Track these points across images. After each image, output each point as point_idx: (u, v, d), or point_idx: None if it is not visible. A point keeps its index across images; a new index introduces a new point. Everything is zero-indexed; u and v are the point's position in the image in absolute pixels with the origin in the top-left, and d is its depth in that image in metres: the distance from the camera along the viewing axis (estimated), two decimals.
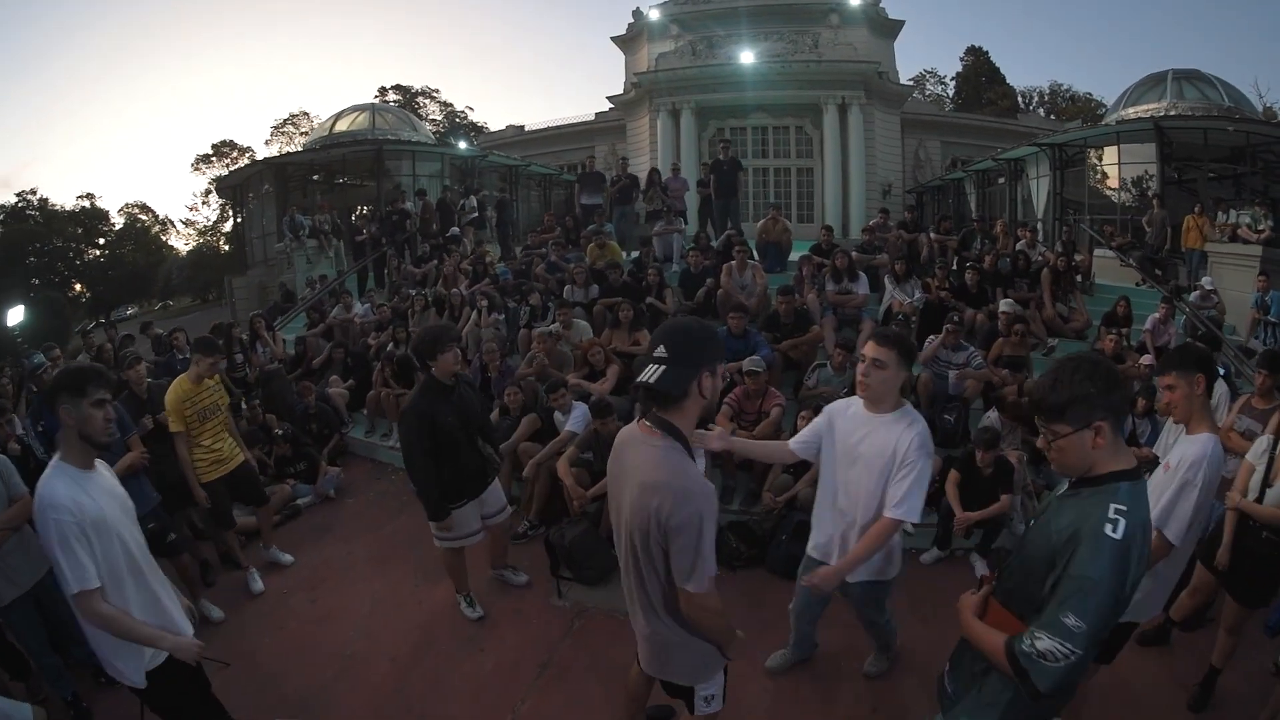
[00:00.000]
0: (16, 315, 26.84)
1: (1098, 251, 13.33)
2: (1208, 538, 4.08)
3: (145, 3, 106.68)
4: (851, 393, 3.71)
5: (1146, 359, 7.25)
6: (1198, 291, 10.08)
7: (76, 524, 2.61)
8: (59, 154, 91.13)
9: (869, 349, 3.26)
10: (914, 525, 3.26)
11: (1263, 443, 4.00)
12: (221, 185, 27.86)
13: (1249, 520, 3.83)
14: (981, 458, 5.54)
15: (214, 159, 44.07)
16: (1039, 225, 16.96)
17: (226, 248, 35.87)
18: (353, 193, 21.81)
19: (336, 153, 20.40)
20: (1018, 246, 10.70)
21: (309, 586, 5.65)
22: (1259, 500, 3.80)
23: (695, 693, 2.69)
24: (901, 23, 25.97)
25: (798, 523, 5.43)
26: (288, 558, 6.04)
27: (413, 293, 11.02)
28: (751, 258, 9.71)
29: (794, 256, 11.31)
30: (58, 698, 4.21)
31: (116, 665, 2.85)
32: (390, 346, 9.41)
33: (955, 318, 7.12)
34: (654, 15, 25.44)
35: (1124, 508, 1.96)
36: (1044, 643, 1.90)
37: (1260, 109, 19.45)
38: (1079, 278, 10.00)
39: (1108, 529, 1.93)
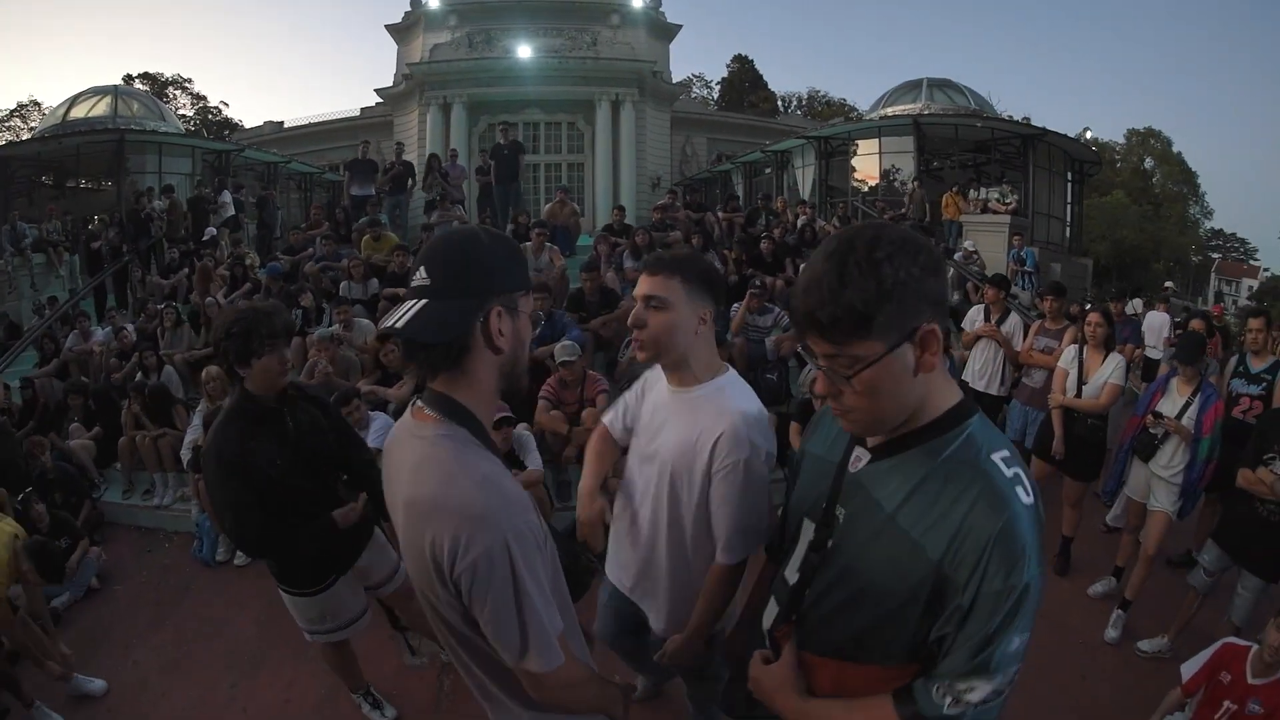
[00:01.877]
0: None
1: None
2: (1037, 437, 5.32)
3: None
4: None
5: None
6: (960, 253, 11.97)
7: None
8: None
9: (640, 284, 2.15)
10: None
11: (1070, 352, 5.10)
12: None
13: (1073, 413, 4.95)
14: (818, 404, 5.52)
15: None
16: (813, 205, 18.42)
17: None
18: (90, 198, 18.79)
19: (70, 143, 17.42)
20: (799, 222, 11.28)
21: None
22: (1078, 396, 4.93)
23: None
24: (679, 26, 26.47)
25: None
26: (97, 683, 4.28)
27: (160, 307, 9.16)
28: (549, 240, 9.33)
29: (582, 242, 11.11)
30: None
31: None
32: (139, 376, 7.58)
33: (757, 282, 7.24)
34: (433, 4, 24.45)
35: (1006, 452, 1.24)
36: (978, 692, 1.15)
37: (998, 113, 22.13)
38: None
39: (1019, 495, 1.18)
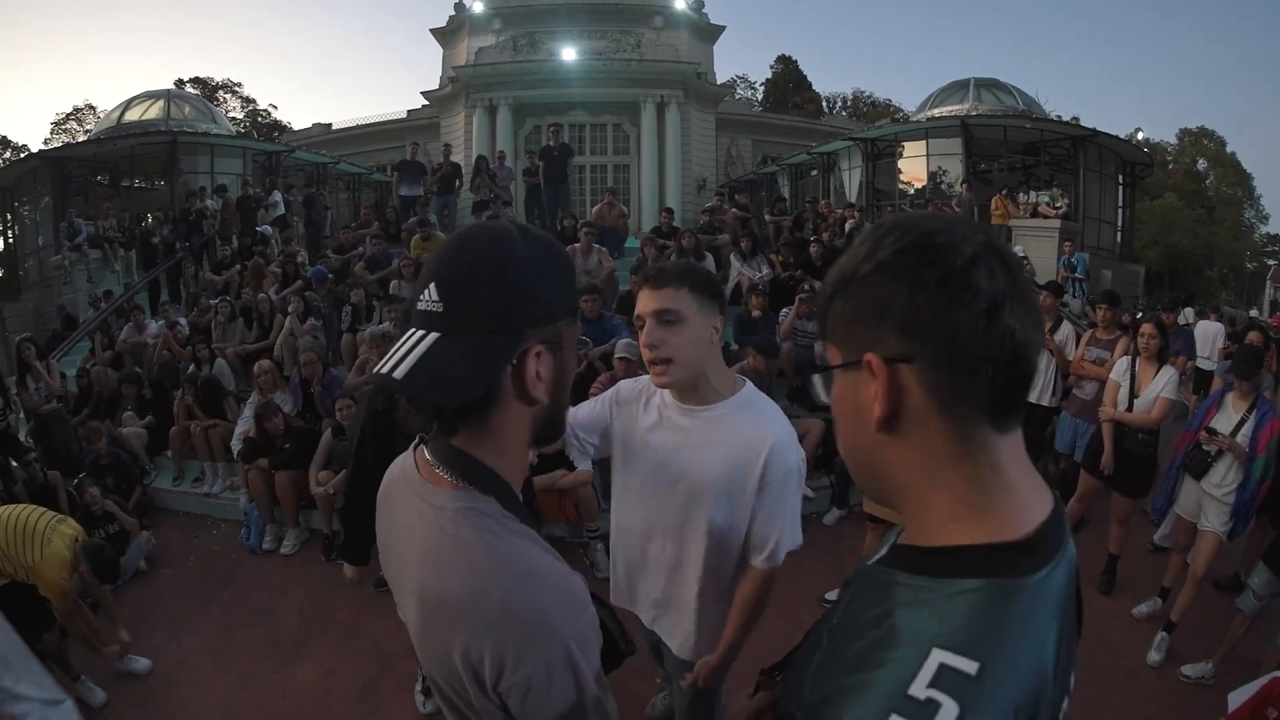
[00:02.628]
0: None
1: None
2: (1087, 451, 5.17)
3: None
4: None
5: None
6: None
7: None
8: None
9: (645, 299, 1.96)
10: (812, 490, 2.80)
11: (1123, 364, 4.96)
12: None
13: (1124, 427, 4.80)
14: None
15: None
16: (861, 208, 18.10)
17: None
18: (143, 196, 19.10)
19: (125, 144, 17.85)
20: (846, 225, 11.11)
21: (136, 703, 4.19)
22: (1129, 410, 4.79)
23: None
24: (722, 28, 26.43)
25: None
26: (142, 662, 4.48)
27: (214, 302, 9.38)
28: (596, 242, 9.36)
29: (629, 244, 11.16)
30: None
31: None
32: (191, 368, 7.81)
33: (806, 287, 7.27)
34: (477, 8, 24.66)
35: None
36: None
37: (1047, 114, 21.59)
38: None
39: None
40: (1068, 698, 0.76)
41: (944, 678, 0.64)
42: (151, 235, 13.54)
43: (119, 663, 4.40)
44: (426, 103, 25.48)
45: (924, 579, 0.74)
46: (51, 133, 38.90)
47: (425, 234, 10.35)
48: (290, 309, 8.39)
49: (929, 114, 19.26)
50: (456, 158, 15.29)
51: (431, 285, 1.00)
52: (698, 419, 2.04)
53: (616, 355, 5.76)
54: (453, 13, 25.68)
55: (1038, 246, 13.35)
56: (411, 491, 1.12)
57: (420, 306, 1.01)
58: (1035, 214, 14.57)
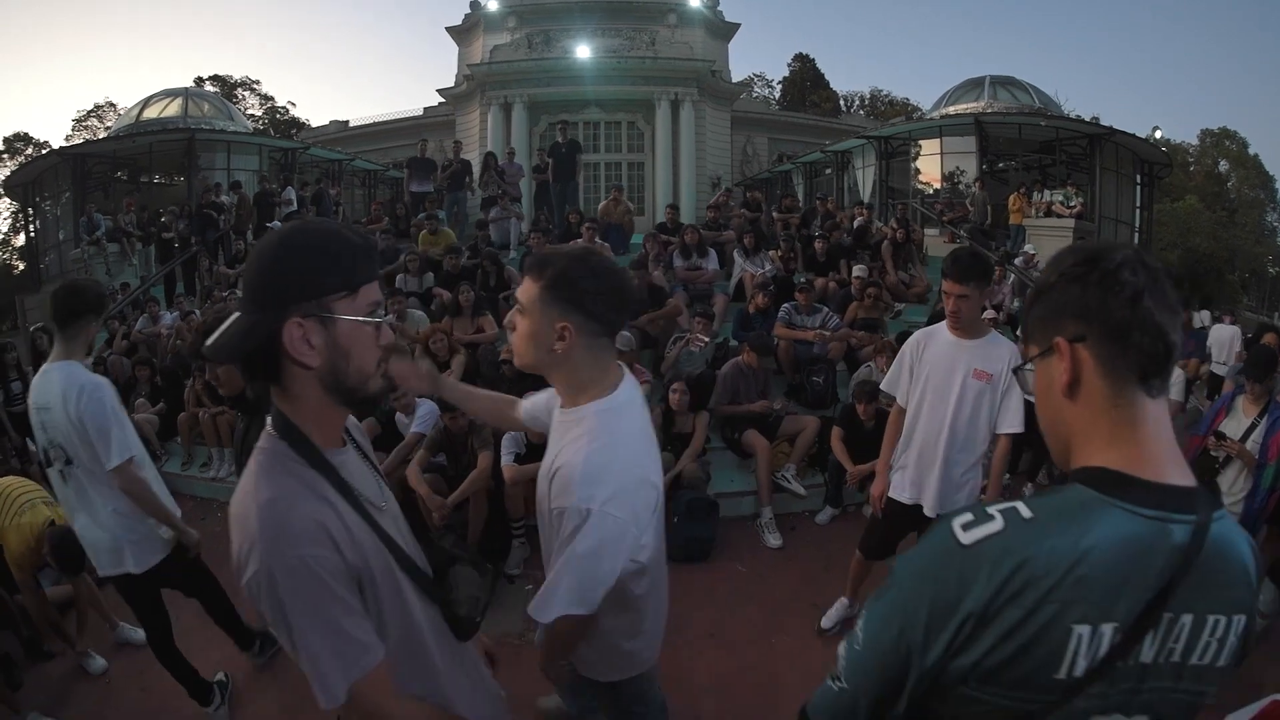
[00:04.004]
0: None
1: (926, 229, 14.29)
2: None
3: None
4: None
5: (989, 314, 7.38)
6: (1021, 258, 11.33)
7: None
8: None
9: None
10: (805, 488, 2.98)
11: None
12: (10, 185, 24.28)
13: None
14: (863, 410, 5.68)
15: (4, 157, 36.99)
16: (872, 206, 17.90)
17: (19, 265, 31.57)
18: (162, 192, 19.30)
19: (143, 141, 18.19)
20: (855, 224, 11.08)
21: (136, 671, 4.34)
22: None
23: None
24: (737, 25, 26.42)
25: (688, 502, 5.23)
26: (140, 633, 4.36)
27: (225, 295, 9.68)
28: (601, 237, 9.40)
29: (635, 240, 11.09)
30: None
31: (127, 552, 3.25)
32: None
33: (801, 280, 7.33)
34: (492, 6, 24.77)
35: None
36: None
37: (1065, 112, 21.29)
38: (915, 249, 10.47)
39: None
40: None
41: (1009, 511, 0.96)
42: (166, 230, 13.74)
43: (115, 632, 4.65)
44: (443, 100, 25.56)
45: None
46: (73, 129, 38.83)
47: (433, 229, 10.40)
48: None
49: (943, 112, 19.03)
50: (474, 155, 15.30)
51: (241, 280, 1.34)
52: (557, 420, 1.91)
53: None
54: (468, 11, 25.76)
55: (1050, 246, 12.43)
56: None
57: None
58: (1049, 213, 14.33)
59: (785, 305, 7.16)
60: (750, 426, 5.91)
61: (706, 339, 6.80)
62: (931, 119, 19.25)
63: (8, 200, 31.77)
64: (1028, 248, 12.17)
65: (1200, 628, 0.94)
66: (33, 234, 21.29)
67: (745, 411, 5.94)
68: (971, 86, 19.14)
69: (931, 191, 18.37)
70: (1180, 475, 0.98)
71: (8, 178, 25.69)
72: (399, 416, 5.72)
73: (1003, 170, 17.70)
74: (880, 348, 6.45)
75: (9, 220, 35.40)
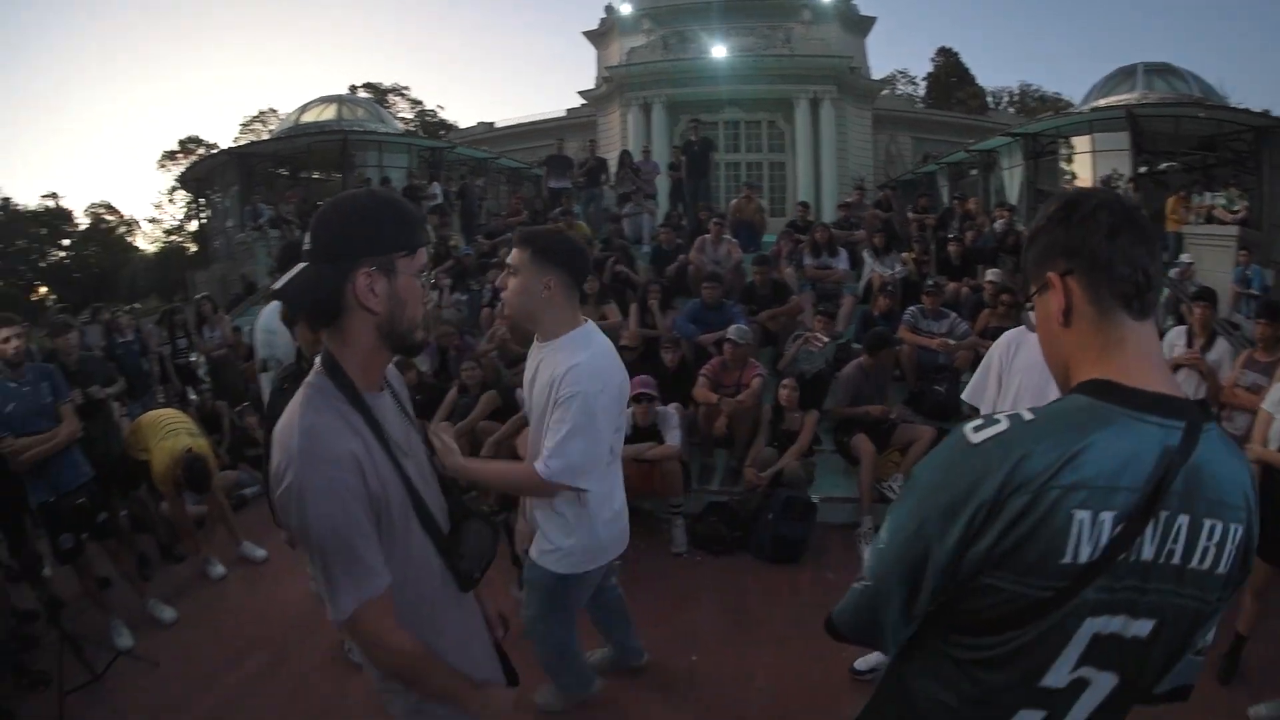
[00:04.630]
0: None
1: None
2: None
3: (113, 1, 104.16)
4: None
5: None
6: (1177, 269, 10.22)
7: None
8: (22, 153, 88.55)
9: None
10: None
11: (1278, 391, 3.76)
12: (185, 178, 27.20)
13: (1275, 472, 3.51)
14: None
15: (180, 155, 41.54)
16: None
17: (192, 247, 34.93)
18: (319, 187, 21.19)
19: (301, 142, 20.10)
20: (996, 225, 10.50)
21: (249, 581, 5.22)
22: None
23: None
24: (873, 19, 25.96)
25: (786, 500, 5.11)
26: (260, 552, 5.47)
27: None
28: (731, 234, 9.38)
29: (767, 239, 11.09)
30: None
31: None
32: None
33: (931, 283, 7.07)
34: (625, 9, 25.20)
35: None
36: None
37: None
38: None
39: None
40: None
41: (1014, 415, 1.08)
42: None
43: (239, 547, 5.49)
44: (584, 102, 26.15)
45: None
46: (239, 132, 42.46)
47: (568, 223, 10.66)
48: (440, 282, 9.06)
49: (1093, 105, 17.69)
50: (613, 154, 15.61)
51: (309, 231, 1.46)
52: (538, 351, 2.60)
53: (729, 337, 5.87)
54: (603, 15, 26.27)
55: (1209, 256, 11.40)
56: None
57: (303, 246, 1.46)
58: (1210, 219, 12.48)
59: (911, 308, 6.93)
60: (861, 431, 5.69)
61: (826, 339, 6.67)
62: (1080, 113, 18.02)
63: (183, 192, 35.15)
64: (1184, 257, 10.75)
65: (1197, 531, 1.03)
66: (204, 221, 24.42)
67: (863, 414, 5.74)
68: (1124, 76, 17.83)
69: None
70: (1168, 386, 1.09)
71: (183, 173, 28.87)
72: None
73: (1162, 172, 16.38)
74: None
75: (185, 209, 39.07)
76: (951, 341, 6.58)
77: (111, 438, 5.33)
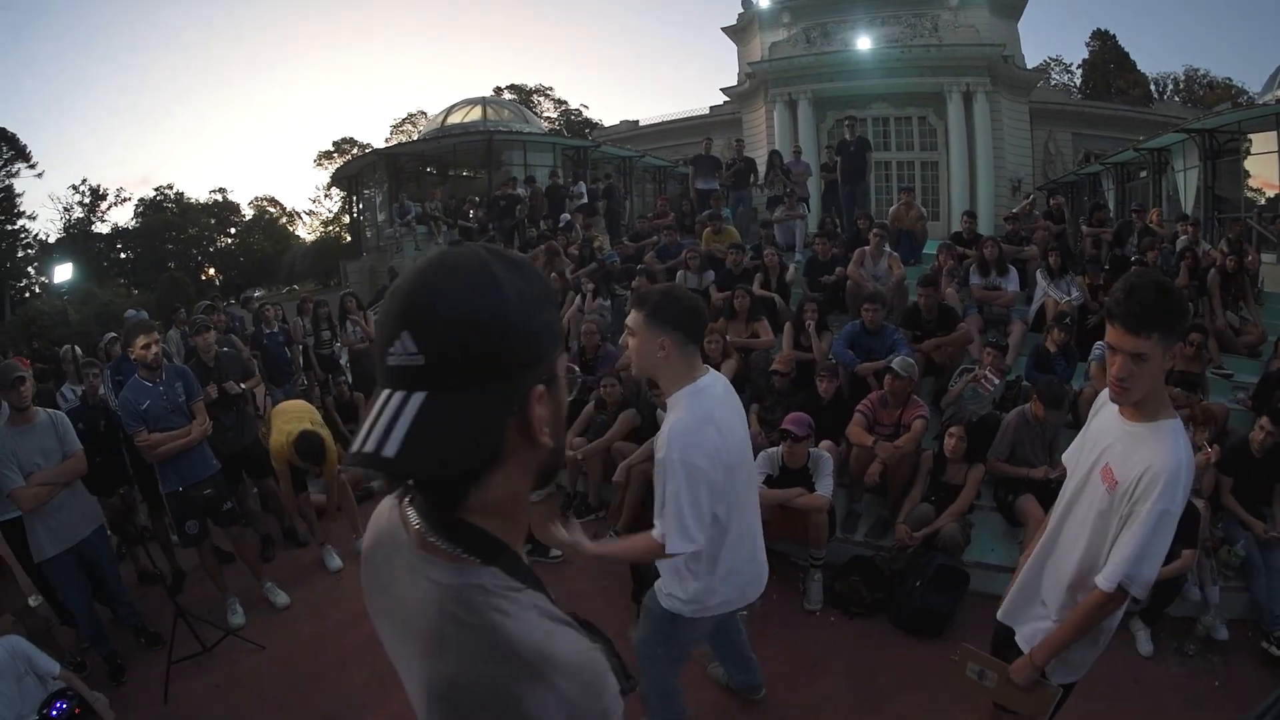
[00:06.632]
0: (64, 272, 31.56)
1: (1262, 255, 11.85)
2: None
3: (276, 8, 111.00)
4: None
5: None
6: None
7: None
8: (195, 153, 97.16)
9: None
10: None
11: None
12: (338, 176, 28.89)
13: None
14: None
15: (335, 155, 45.82)
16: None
17: (347, 237, 37.43)
18: (466, 184, 21.85)
19: (447, 143, 21.00)
20: (1178, 244, 9.40)
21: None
22: None
23: None
24: (1025, 1, 24.54)
25: (937, 568, 4.67)
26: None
27: None
28: (891, 245, 8.89)
29: (927, 250, 10.61)
30: (95, 655, 4.47)
31: None
32: None
33: None
34: (764, 3, 24.91)
35: None
36: None
37: None
38: (1250, 283, 8.58)
39: None
40: None
41: None
42: (466, 216, 15.90)
43: (357, 540, 5.49)
44: (728, 99, 26.05)
45: None
46: (390, 133, 46.45)
47: (716, 227, 10.47)
48: (584, 287, 8.98)
49: (1278, 94, 15.79)
50: (761, 151, 15.34)
51: (405, 334, 0.83)
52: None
53: (894, 368, 5.47)
54: (741, 10, 26.07)
55: None
56: (403, 559, 0.99)
57: (392, 361, 0.84)
58: None
59: (1099, 344, 6.21)
60: (1030, 490, 5.14)
61: (997, 380, 6.11)
62: (1265, 104, 15.97)
63: (337, 189, 37.64)
64: None
65: None
66: (356, 215, 26.11)
67: (1022, 475, 5.21)
68: None
69: (1265, 201, 15.44)
70: None
71: (336, 170, 30.74)
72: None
73: None
74: (1197, 416, 5.12)
75: (340, 203, 42.13)
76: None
77: (245, 428, 5.79)
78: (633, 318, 2.52)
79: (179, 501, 4.70)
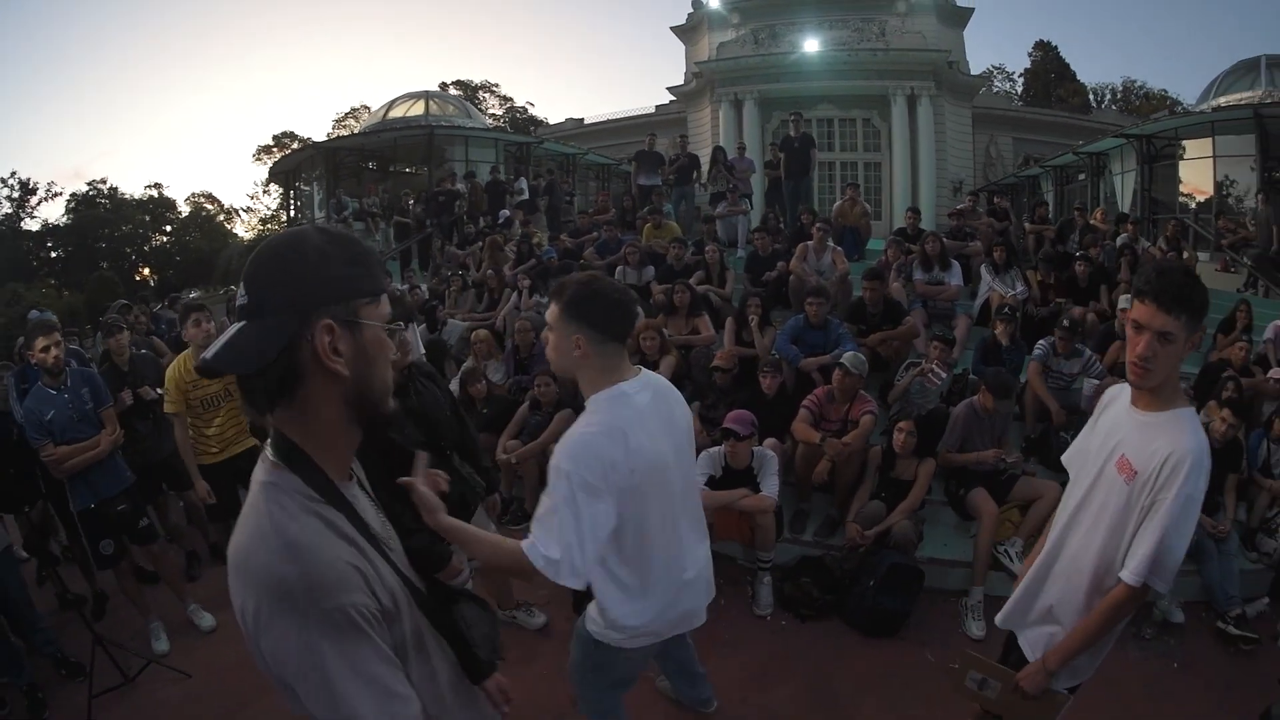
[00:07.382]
0: None
1: (1200, 253, 12.34)
2: None
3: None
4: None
5: (1276, 373, 6.18)
6: None
7: None
8: (129, 146, 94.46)
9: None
10: None
11: None
12: (275, 171, 28.42)
13: None
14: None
15: (274, 149, 44.03)
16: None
17: None
18: (406, 180, 21.41)
19: (388, 137, 20.56)
20: (1118, 240, 9.59)
21: None
22: None
23: None
24: (971, 10, 25.04)
25: (890, 567, 4.52)
26: None
27: (448, 274, 10.57)
28: (835, 241, 8.74)
29: (872, 246, 10.54)
30: (14, 688, 4.09)
31: None
32: (423, 328, 8.53)
33: (1065, 321, 6.26)
34: (714, 3, 24.95)
35: None
36: None
37: None
38: None
39: None
40: None
41: None
42: (404, 214, 15.46)
43: None
44: (674, 98, 25.97)
45: None
46: (332, 128, 44.58)
47: (657, 222, 10.35)
48: (520, 284, 8.75)
49: (1214, 103, 16.19)
50: (706, 150, 15.20)
51: (242, 284, 1.14)
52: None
53: (842, 364, 5.30)
54: (691, 10, 26.13)
55: None
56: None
57: (236, 303, 1.15)
58: None
59: (1043, 343, 6.21)
60: (981, 484, 5.03)
61: (944, 374, 6.03)
62: (1201, 112, 16.46)
63: (275, 185, 36.72)
64: None
65: None
66: (293, 212, 25.41)
67: (974, 462, 5.09)
68: (1244, 71, 16.41)
69: (1197, 204, 15.95)
70: None
71: (275, 165, 30.22)
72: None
73: None
74: None
75: (278, 200, 40.99)
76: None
77: (164, 436, 5.13)
78: (550, 311, 2.24)
79: (91, 519, 4.30)
